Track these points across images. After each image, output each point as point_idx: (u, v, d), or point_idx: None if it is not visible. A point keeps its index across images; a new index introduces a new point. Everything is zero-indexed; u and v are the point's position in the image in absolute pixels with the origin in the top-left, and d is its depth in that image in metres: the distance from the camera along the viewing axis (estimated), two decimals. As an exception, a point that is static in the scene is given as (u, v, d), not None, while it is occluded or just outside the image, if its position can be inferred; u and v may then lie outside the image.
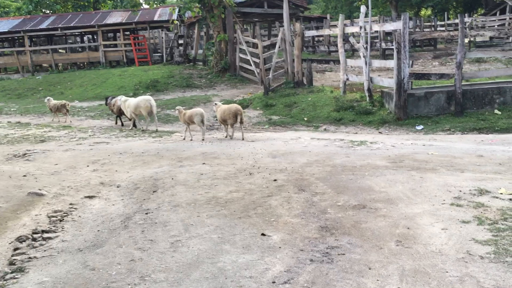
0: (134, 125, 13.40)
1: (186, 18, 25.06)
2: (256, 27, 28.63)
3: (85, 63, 29.42)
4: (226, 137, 10.99)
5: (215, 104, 11.32)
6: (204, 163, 7.95)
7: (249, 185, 6.46)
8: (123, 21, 28.45)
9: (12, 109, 18.96)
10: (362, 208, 5.25)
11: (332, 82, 17.98)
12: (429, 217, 4.82)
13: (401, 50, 11.48)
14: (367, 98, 13.21)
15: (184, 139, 10.99)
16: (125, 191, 6.78)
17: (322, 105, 13.75)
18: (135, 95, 19.75)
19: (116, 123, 14.32)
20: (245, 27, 37.68)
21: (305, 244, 4.35)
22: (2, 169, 8.54)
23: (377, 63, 14.29)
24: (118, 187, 7.05)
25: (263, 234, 4.63)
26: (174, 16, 27.46)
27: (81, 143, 10.89)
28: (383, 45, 24.11)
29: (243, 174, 7.07)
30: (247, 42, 20.69)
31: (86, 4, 38.05)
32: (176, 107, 11.47)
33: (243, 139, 10.41)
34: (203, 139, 10.71)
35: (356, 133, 11.47)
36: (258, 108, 14.80)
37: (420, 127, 11.21)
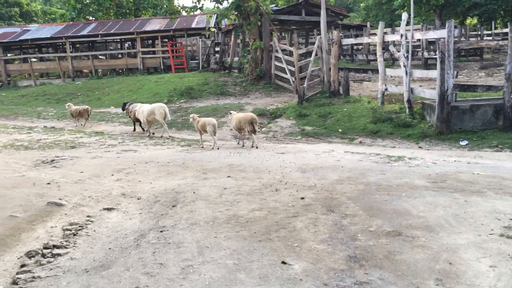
0: (143, 129, 14.10)
1: (222, 26, 24.92)
2: (294, 35, 28.30)
3: (124, 69, 29.78)
4: (238, 143, 11.43)
5: (230, 113, 11.66)
6: (229, 176, 7.56)
7: (274, 202, 6.00)
8: (161, 28, 28.65)
9: (50, 114, 19.26)
10: (397, 235, 4.70)
11: (369, 92, 17.31)
12: (475, 251, 4.23)
13: (445, 60, 10.77)
14: (407, 110, 12.51)
15: (202, 147, 11.00)
16: (145, 204, 6.46)
17: (358, 116, 13.14)
18: (169, 102, 19.70)
19: (134, 129, 14.49)
20: (283, 34, 37.41)
21: (330, 277, 3.85)
22: (28, 176, 8.44)
23: (418, 73, 13.54)
24: (138, 199, 6.76)
25: (283, 262, 4.17)
26: (212, 24, 27.45)
27: (110, 151, 10.73)
28: (426, 54, 23.15)
29: (268, 190, 6.62)
30: (283, 50, 20.28)
31: (127, 11, 38.72)
32: (191, 115, 11.80)
33: (256, 147, 10.70)
34: (212, 148, 10.93)
35: (394, 147, 10.82)
36: (291, 118, 14.33)
37: (464, 143, 10.44)
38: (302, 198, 6.15)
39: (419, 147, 10.66)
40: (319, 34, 17.42)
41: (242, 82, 21.95)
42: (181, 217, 5.59)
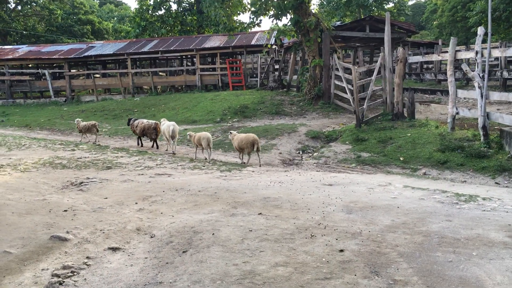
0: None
1: (280, 43, 24.06)
2: (359, 52, 26.85)
3: (183, 86, 29.71)
4: (242, 163, 11.69)
5: (230, 133, 12.08)
6: (260, 213, 6.45)
7: (305, 255, 4.82)
8: (221, 45, 28.31)
9: (103, 130, 19.17)
10: (464, 324, 3.37)
11: (438, 116, 15.58)
12: None
13: (530, 81, 9.08)
14: (481, 138, 10.82)
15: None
16: (156, 244, 5.52)
17: (423, 142, 11.60)
18: (221, 120, 19.04)
19: (138, 144, 15.27)
20: (347, 52, 35.98)
21: None
22: (49, 200, 7.84)
23: (496, 95, 11.76)
24: (151, 237, 5.83)
25: None
26: (272, 41, 26.70)
27: (143, 174, 10.01)
28: (505, 74, 20.81)
29: (302, 235, 5.44)
30: (344, 68, 18.99)
31: (189, 29, 39.05)
32: (188, 132, 12.86)
33: (260, 165, 11.30)
34: (208, 161, 11.85)
35: (465, 181, 9.21)
36: (347, 142, 13.00)
37: (553, 180, 8.67)
38: (341, 250, 4.92)
39: (496, 183, 8.99)
40: (383, 52, 16.01)
41: (299, 101, 20.88)
42: (186, 270, 4.55)
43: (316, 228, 5.72)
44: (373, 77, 15.51)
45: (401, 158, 11.09)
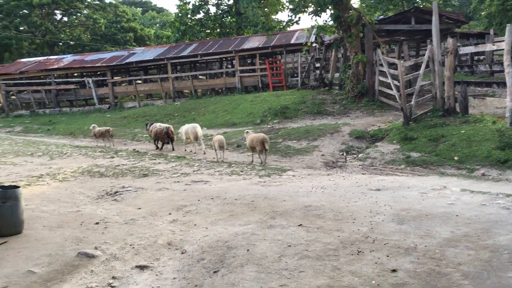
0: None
1: (320, 40, 23.28)
2: (404, 46, 25.62)
3: (223, 89, 29.47)
4: (252, 162, 12.02)
5: (247, 132, 12.37)
6: (300, 225, 5.87)
7: (351, 276, 4.21)
8: (260, 46, 27.84)
9: (144, 135, 19.11)
10: None
11: (494, 110, 14.35)
12: None
13: None
14: (547, 133, 9.77)
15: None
16: (186, 262, 5.08)
17: (480, 140, 10.63)
18: (262, 122, 18.55)
19: (156, 147, 15.60)
20: (391, 47, 34.62)
21: None
22: (82, 212, 7.60)
23: (561, 85, 10.64)
24: (182, 253, 5.40)
25: None
26: (312, 39, 25.96)
27: (179, 181, 9.64)
28: None
29: (347, 251, 4.82)
30: (390, 63, 18.02)
31: (228, 31, 38.85)
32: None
33: (265, 163, 11.58)
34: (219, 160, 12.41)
35: (531, 182, 8.26)
36: (394, 141, 12.16)
37: None
38: (394, 270, 4.27)
39: None
40: (431, 44, 15.01)
41: (342, 99, 20.05)
42: (215, 295, 4.06)
43: (363, 242, 5.08)
44: (420, 71, 14.54)
45: (456, 158, 10.18)
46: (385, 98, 18.38)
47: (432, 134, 11.81)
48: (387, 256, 4.62)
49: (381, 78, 18.33)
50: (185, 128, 14.38)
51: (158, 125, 15.21)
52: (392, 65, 18.08)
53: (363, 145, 12.98)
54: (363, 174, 10.01)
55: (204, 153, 14.03)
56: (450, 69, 13.46)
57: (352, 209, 6.45)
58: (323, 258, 4.70)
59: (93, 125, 17.66)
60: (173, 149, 15.08)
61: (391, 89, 16.94)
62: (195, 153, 14.08)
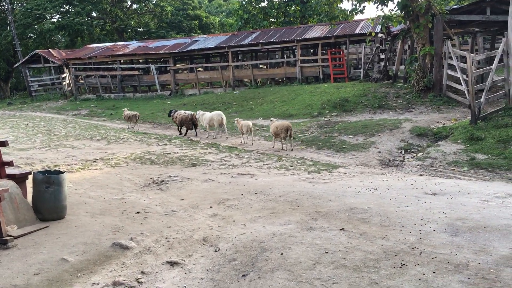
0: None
1: (386, 30, 22.21)
2: (478, 39, 23.93)
3: (283, 79, 29.07)
4: (273, 147, 12.82)
5: (272, 120, 13.17)
6: (342, 229, 5.48)
7: (390, 294, 3.80)
8: (322, 35, 27.11)
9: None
10: None
11: None
12: None
13: None
14: None
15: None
16: (217, 261, 4.88)
17: (557, 143, 9.61)
18: (319, 114, 18.05)
19: (180, 133, 16.66)
20: (465, 39, 32.56)
21: None
22: (126, 199, 7.64)
23: None
24: (216, 251, 5.22)
25: None
26: (377, 29, 24.89)
27: (226, 173, 9.48)
28: None
29: (389, 263, 4.39)
30: (459, 56, 16.84)
31: (292, 20, 38.22)
32: (235, 119, 14.60)
33: (291, 150, 12.24)
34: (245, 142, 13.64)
35: None
36: (459, 141, 11.30)
37: None
38: (440, 290, 3.81)
39: None
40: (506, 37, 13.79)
41: (406, 94, 19.07)
42: (238, 303, 3.80)
43: (408, 253, 4.62)
44: (493, 66, 13.42)
45: (527, 162, 9.26)
46: (453, 93, 17.25)
47: (502, 135, 10.85)
48: (434, 272, 4.15)
49: (450, 72, 17.19)
50: (210, 115, 15.26)
51: (183, 112, 16.32)
52: (462, 59, 16.92)
53: (424, 143, 12.20)
54: (420, 175, 9.35)
55: (251, 144, 13.90)
56: (527, 64, 12.29)
57: (401, 214, 5.95)
58: (361, 269, 4.30)
59: (124, 109, 19.45)
60: (196, 135, 16.16)
61: (460, 84, 15.85)
62: (246, 143, 13.89)
